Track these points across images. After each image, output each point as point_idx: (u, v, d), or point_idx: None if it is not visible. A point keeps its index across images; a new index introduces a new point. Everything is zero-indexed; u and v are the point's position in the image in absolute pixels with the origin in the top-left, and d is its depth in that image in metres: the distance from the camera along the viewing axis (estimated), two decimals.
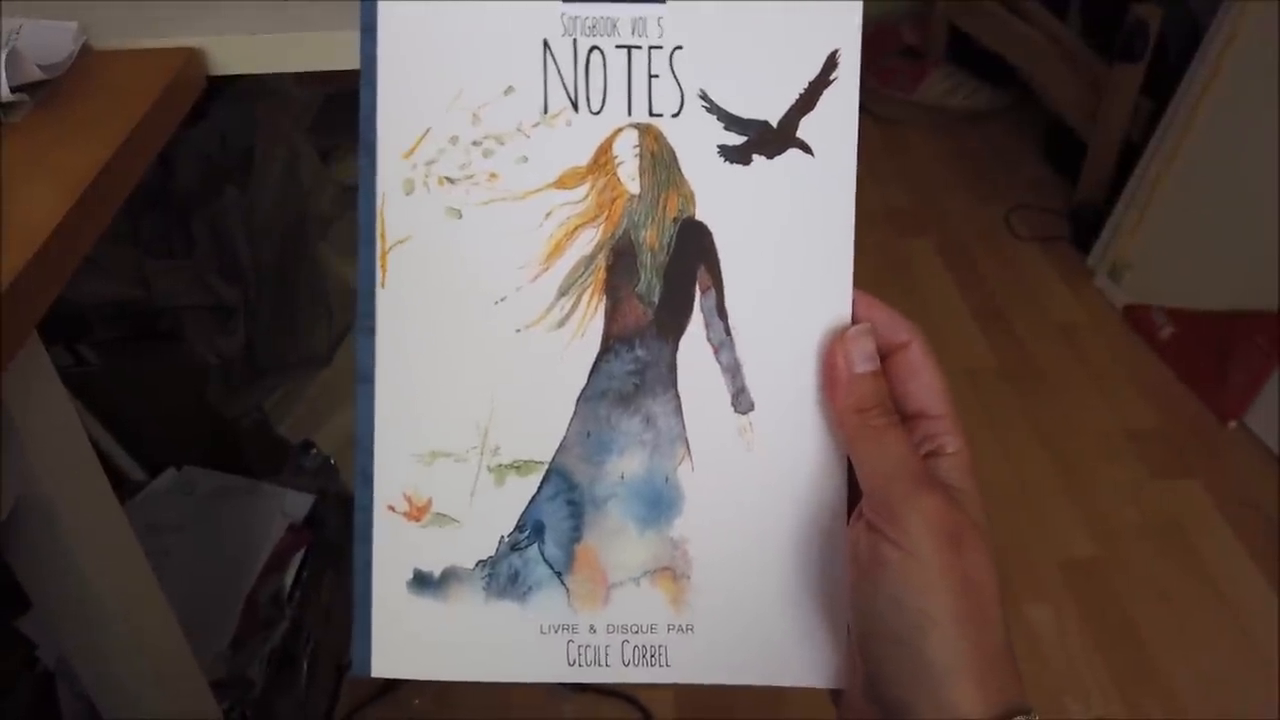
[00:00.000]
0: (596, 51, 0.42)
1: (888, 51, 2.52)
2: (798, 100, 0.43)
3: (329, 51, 0.75)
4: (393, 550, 0.43)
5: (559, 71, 0.42)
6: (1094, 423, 1.70)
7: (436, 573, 0.43)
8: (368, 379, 0.43)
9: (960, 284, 2.00)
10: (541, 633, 0.44)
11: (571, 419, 0.43)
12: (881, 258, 2.02)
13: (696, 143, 0.42)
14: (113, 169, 0.62)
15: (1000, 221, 2.16)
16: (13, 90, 0.63)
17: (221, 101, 1.14)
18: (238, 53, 0.75)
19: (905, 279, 2.00)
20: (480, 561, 0.43)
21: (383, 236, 0.42)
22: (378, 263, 0.42)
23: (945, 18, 2.47)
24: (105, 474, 0.70)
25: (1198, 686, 1.32)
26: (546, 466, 0.43)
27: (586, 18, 0.42)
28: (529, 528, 0.43)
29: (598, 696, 1.27)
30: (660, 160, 0.42)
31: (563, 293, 0.42)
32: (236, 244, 1.15)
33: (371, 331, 0.42)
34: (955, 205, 2.22)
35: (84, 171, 0.60)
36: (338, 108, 1.29)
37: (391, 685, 1.24)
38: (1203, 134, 1.77)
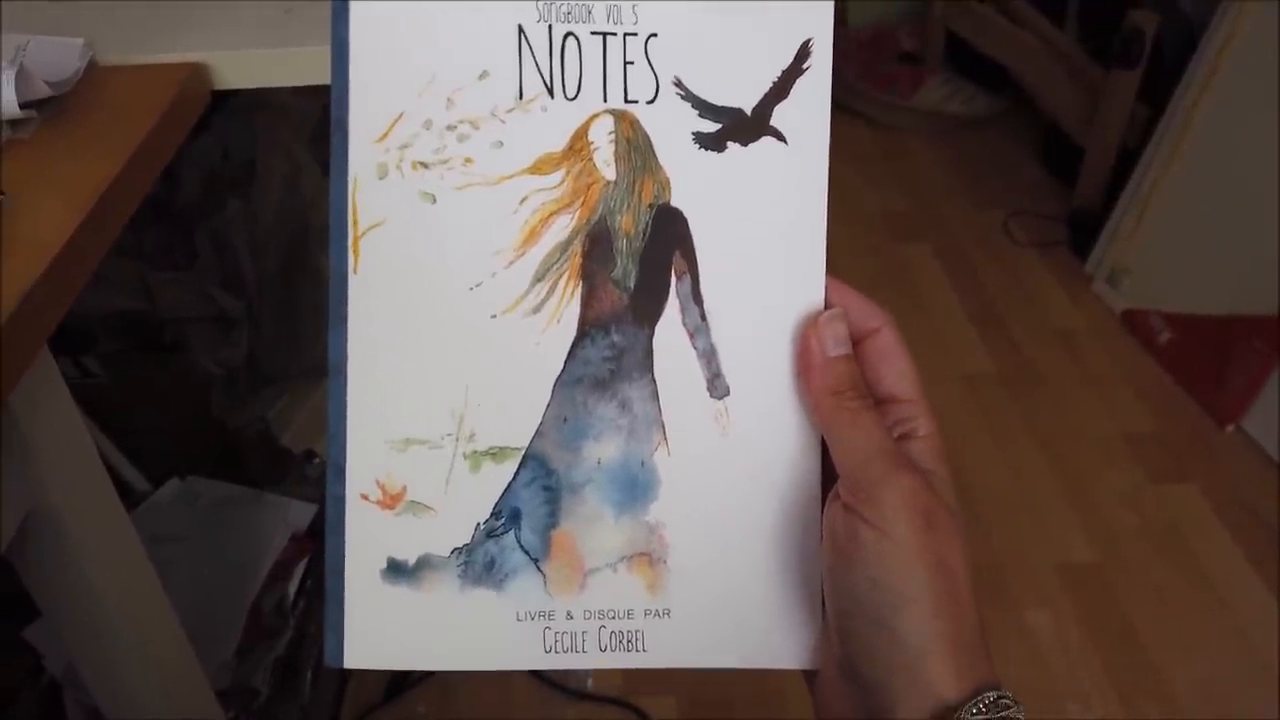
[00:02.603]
0: (571, 37, 0.42)
1: (885, 57, 2.52)
2: (771, 88, 0.42)
3: (330, 65, 0.76)
4: (366, 539, 0.43)
5: (534, 57, 0.42)
6: (1092, 427, 1.71)
7: (411, 561, 0.43)
8: (340, 366, 0.42)
9: (958, 289, 2.01)
10: (518, 620, 0.43)
11: (548, 405, 0.43)
12: (879, 263, 2.02)
13: (672, 129, 0.42)
14: (120, 183, 0.62)
15: (998, 227, 2.17)
16: (21, 106, 0.63)
17: (223, 114, 1.15)
18: (241, 67, 0.76)
19: (903, 284, 2.00)
20: (456, 549, 0.43)
21: (355, 222, 0.42)
22: (349, 248, 0.42)
23: (942, 24, 2.47)
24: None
25: (1197, 690, 1.33)
26: (523, 453, 0.43)
27: (561, 3, 0.42)
28: (505, 514, 0.43)
29: (600, 703, 1.27)
30: (636, 146, 0.42)
31: (538, 279, 0.42)
32: (239, 255, 1.15)
33: (343, 318, 0.42)
34: (953, 211, 2.23)
35: (92, 186, 0.60)
36: None
37: (395, 691, 1.25)
38: (1199, 139, 1.78)
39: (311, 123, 1.27)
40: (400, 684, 1.25)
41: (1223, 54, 1.72)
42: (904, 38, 2.57)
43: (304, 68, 0.76)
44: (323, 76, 0.78)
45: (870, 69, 2.47)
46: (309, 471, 1.24)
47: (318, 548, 1.13)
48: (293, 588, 1.10)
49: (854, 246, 2.02)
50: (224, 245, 1.14)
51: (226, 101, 1.08)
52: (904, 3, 2.62)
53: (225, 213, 1.14)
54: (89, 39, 0.72)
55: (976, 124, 2.48)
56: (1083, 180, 2.07)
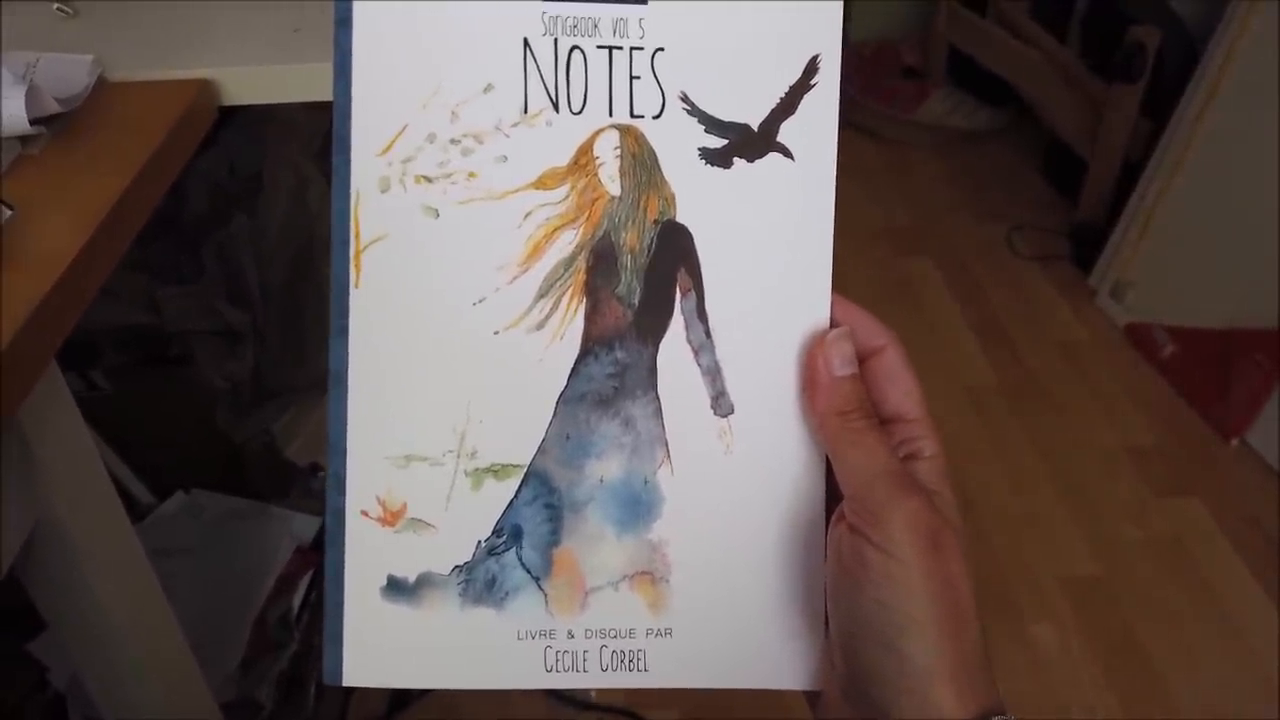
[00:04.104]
0: (577, 51, 0.41)
1: (888, 72, 2.53)
2: (778, 104, 0.42)
3: (333, 76, 0.77)
4: (366, 556, 0.42)
5: (539, 71, 0.41)
6: (1096, 441, 1.71)
7: (411, 579, 0.43)
8: (340, 381, 0.42)
9: (962, 303, 2.01)
10: (519, 639, 0.43)
11: (550, 422, 0.43)
12: (883, 276, 2.03)
13: (677, 145, 0.42)
14: (129, 198, 0.63)
15: (1001, 240, 2.17)
16: (31, 123, 0.64)
17: (230, 129, 1.16)
18: (249, 83, 0.77)
19: (907, 298, 2.01)
20: (456, 567, 0.43)
21: (357, 235, 0.41)
22: (351, 262, 0.41)
23: (945, 39, 2.48)
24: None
25: (1200, 702, 1.32)
26: (524, 470, 0.43)
27: (567, 17, 0.41)
28: (506, 532, 0.43)
29: (603, 713, 1.27)
30: (641, 162, 0.42)
31: (542, 294, 0.42)
32: (245, 269, 1.16)
33: (344, 332, 0.41)
34: (956, 224, 2.24)
35: (101, 201, 0.61)
36: None
37: (399, 705, 1.25)
38: (1201, 153, 1.78)
39: (319, 137, 1.28)
40: (404, 698, 1.25)
41: (1225, 67, 1.72)
42: (907, 52, 2.58)
43: (311, 84, 0.77)
44: (330, 92, 0.78)
45: (873, 83, 2.48)
46: (314, 485, 1.24)
47: (321, 561, 1.14)
48: (297, 601, 1.10)
49: (857, 260, 2.02)
50: (230, 260, 1.14)
51: (234, 116, 1.08)
52: (907, 16, 2.64)
53: (231, 227, 1.15)
54: (98, 56, 0.72)
55: (979, 138, 2.49)
56: (1085, 194, 2.07)
